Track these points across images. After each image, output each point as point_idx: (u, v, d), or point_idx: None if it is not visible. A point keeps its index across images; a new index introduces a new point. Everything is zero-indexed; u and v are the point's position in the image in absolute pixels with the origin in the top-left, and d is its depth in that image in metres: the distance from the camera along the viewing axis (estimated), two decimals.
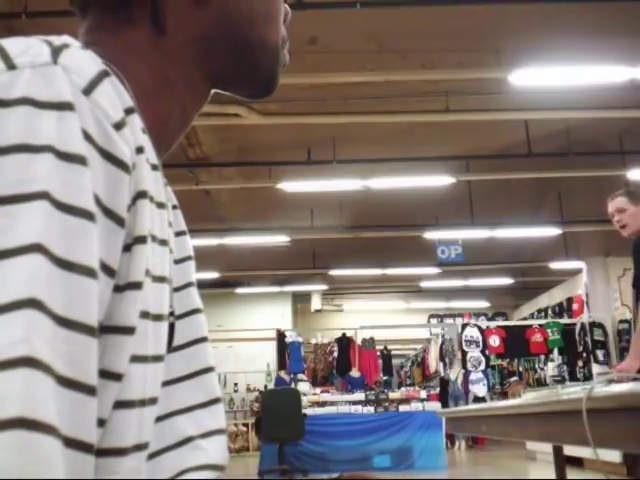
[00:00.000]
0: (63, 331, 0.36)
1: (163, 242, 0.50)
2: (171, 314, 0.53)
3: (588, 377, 9.51)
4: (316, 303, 16.05)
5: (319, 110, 6.83)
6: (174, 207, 0.61)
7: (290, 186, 8.24)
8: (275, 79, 0.63)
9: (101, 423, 0.41)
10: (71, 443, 0.35)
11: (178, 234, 0.61)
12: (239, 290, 14.49)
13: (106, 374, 0.41)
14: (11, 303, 0.34)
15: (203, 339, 0.60)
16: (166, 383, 0.54)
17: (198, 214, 9.10)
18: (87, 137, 0.40)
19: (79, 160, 0.39)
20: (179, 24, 0.55)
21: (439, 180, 8.19)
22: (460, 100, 6.79)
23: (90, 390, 0.37)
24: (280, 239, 10.51)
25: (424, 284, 14.55)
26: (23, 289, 0.35)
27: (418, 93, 6.79)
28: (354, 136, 7.74)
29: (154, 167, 0.49)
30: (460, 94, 6.75)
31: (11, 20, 5.21)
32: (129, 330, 0.42)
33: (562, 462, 3.24)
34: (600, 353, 10.02)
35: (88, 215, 0.38)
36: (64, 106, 0.39)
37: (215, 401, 0.59)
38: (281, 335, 12.67)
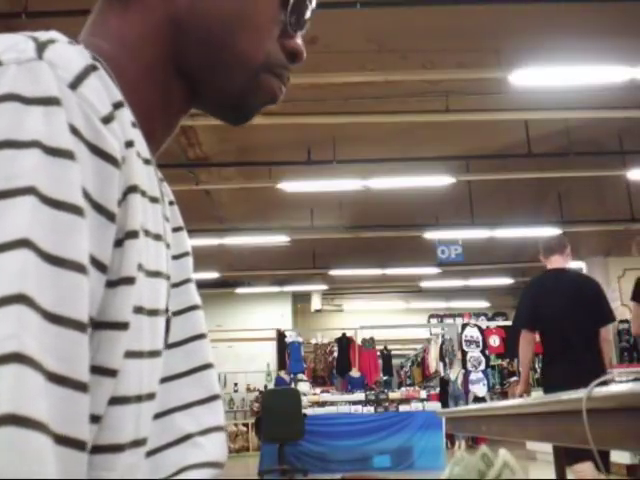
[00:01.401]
0: (52, 327, 0.36)
1: (157, 237, 0.49)
2: (166, 310, 0.52)
3: None
4: (316, 303, 16.05)
5: (319, 110, 6.82)
6: (170, 203, 0.60)
7: (290, 186, 8.23)
8: (245, 104, 0.57)
9: (96, 419, 0.41)
10: (62, 440, 0.35)
11: (175, 230, 0.60)
12: (239, 290, 14.49)
13: (100, 370, 0.41)
14: (0, 299, 0.34)
15: (202, 336, 0.60)
16: (164, 380, 0.54)
17: (198, 214, 9.09)
18: (74, 132, 0.40)
19: (66, 155, 0.39)
20: (153, 4, 0.54)
21: (439, 180, 8.18)
22: (460, 100, 6.79)
23: (81, 386, 0.37)
24: (280, 239, 10.50)
25: (424, 284, 14.55)
26: (12, 285, 0.34)
27: (418, 93, 6.79)
28: (354, 136, 7.74)
29: (146, 161, 0.48)
30: (460, 94, 6.75)
31: (11, 20, 5.21)
32: (122, 325, 0.42)
33: (562, 462, 3.24)
34: None
35: (77, 210, 0.38)
36: (50, 101, 0.39)
37: (214, 398, 0.59)
38: (281, 335, 12.68)
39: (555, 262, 4.01)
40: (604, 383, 1.26)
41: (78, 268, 0.38)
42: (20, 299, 0.34)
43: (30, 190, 0.37)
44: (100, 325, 0.41)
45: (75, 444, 0.36)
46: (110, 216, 0.41)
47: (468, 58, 6.25)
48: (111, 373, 0.42)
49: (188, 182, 8.19)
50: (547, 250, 4.06)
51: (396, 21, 5.81)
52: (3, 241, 0.35)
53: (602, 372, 3.51)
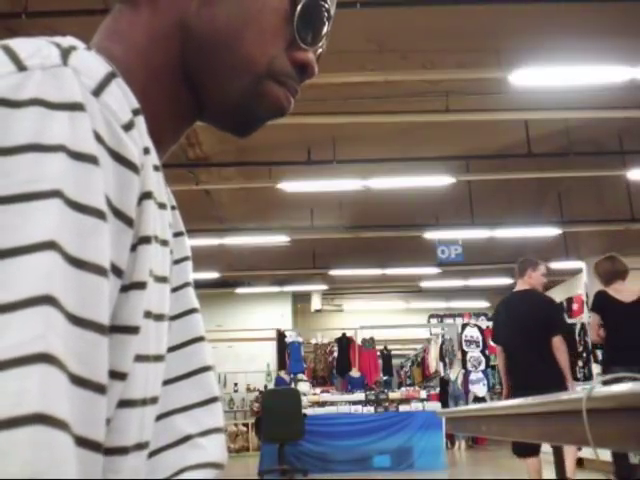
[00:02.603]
0: (76, 329, 0.36)
1: (164, 242, 0.50)
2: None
3: (588, 377, 9.51)
4: (316, 303, 16.05)
5: (319, 110, 6.82)
6: (172, 207, 0.61)
7: (290, 186, 8.24)
8: (248, 112, 0.56)
9: (107, 422, 0.41)
10: (81, 441, 0.36)
11: (176, 235, 0.61)
12: (239, 290, 14.49)
13: (111, 373, 0.41)
14: (28, 299, 0.34)
15: (200, 338, 0.61)
16: (164, 382, 0.54)
17: (198, 214, 9.10)
18: (98, 138, 0.40)
19: (91, 160, 0.39)
20: (164, 5, 0.54)
21: (439, 180, 8.19)
22: (460, 100, 6.79)
23: (100, 389, 0.38)
24: (280, 239, 10.51)
25: (424, 284, 14.56)
26: (39, 286, 0.35)
27: (418, 93, 6.79)
28: (354, 136, 7.74)
29: (156, 168, 0.49)
30: (460, 94, 6.75)
31: (11, 20, 5.22)
32: (134, 330, 0.43)
33: (562, 462, 3.24)
34: (600, 353, 10.01)
35: (100, 214, 0.39)
36: (75, 107, 0.40)
37: (213, 400, 0.59)
38: (281, 335, 12.68)
39: (518, 285, 4.82)
40: (605, 383, 1.27)
41: (100, 271, 0.38)
42: (47, 300, 0.35)
43: (56, 193, 0.37)
44: (113, 329, 0.41)
45: (93, 446, 0.37)
46: (128, 221, 0.42)
47: (468, 58, 6.25)
48: (121, 376, 0.42)
49: (188, 182, 8.19)
50: (514, 274, 4.85)
51: (396, 21, 5.82)
52: (31, 242, 0.36)
53: (559, 380, 4.22)
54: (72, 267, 0.37)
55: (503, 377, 4.85)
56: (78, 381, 0.36)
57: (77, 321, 0.36)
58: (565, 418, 1.44)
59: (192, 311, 0.61)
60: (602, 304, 4.67)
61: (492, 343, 4.96)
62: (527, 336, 4.40)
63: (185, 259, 0.62)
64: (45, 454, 0.33)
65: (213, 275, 12.46)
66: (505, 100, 6.67)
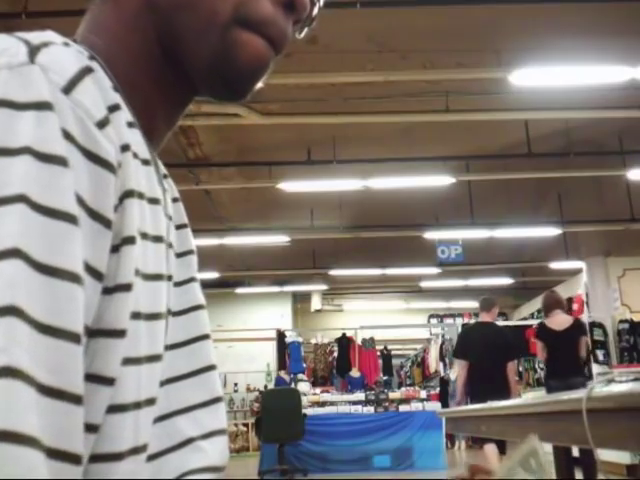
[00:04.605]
0: (45, 338, 0.35)
1: (158, 238, 0.48)
2: (168, 312, 0.52)
3: (588, 377, 9.51)
4: (316, 303, 16.04)
5: (319, 110, 6.82)
6: (175, 200, 0.59)
7: (290, 186, 8.23)
8: (230, 70, 0.52)
9: (95, 429, 0.40)
10: (55, 454, 0.34)
11: (179, 227, 0.59)
12: (239, 290, 14.48)
13: (97, 379, 0.40)
14: None
15: (205, 336, 0.59)
16: (167, 381, 0.53)
17: (198, 214, 9.09)
18: (68, 137, 0.39)
19: (59, 161, 0.38)
20: None
21: (439, 180, 8.18)
22: (460, 100, 6.78)
23: (75, 399, 0.36)
24: (280, 239, 10.50)
25: (424, 284, 14.55)
26: (1, 296, 0.34)
27: (418, 93, 6.79)
28: (354, 136, 7.73)
29: (145, 162, 0.47)
30: (460, 94, 6.74)
31: (11, 20, 5.21)
32: (119, 333, 0.41)
33: (562, 462, 3.24)
34: (600, 353, 10.00)
35: (69, 218, 0.37)
36: (42, 106, 0.38)
37: (216, 400, 0.58)
38: (281, 335, 12.68)
39: (482, 317, 6.12)
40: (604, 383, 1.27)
41: (71, 277, 0.37)
42: (10, 311, 0.33)
43: (20, 198, 0.36)
44: (96, 333, 0.40)
45: (69, 458, 0.35)
46: (106, 223, 0.40)
47: (468, 58, 6.25)
48: (108, 381, 0.41)
49: (188, 182, 8.18)
50: (479, 308, 6.17)
51: (396, 21, 5.81)
52: None
53: (509, 391, 5.62)
54: (40, 274, 0.35)
55: (461, 387, 6.08)
56: (49, 392, 0.34)
57: (47, 330, 0.35)
58: (565, 418, 1.44)
59: (197, 307, 0.60)
60: (541, 333, 6.01)
61: (454, 357, 6.29)
62: (492, 357, 5.74)
63: (189, 253, 0.61)
64: (8, 471, 0.31)
65: (213, 275, 12.45)
66: (505, 100, 6.67)
